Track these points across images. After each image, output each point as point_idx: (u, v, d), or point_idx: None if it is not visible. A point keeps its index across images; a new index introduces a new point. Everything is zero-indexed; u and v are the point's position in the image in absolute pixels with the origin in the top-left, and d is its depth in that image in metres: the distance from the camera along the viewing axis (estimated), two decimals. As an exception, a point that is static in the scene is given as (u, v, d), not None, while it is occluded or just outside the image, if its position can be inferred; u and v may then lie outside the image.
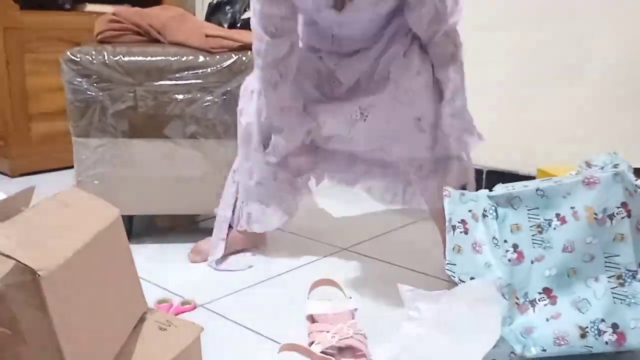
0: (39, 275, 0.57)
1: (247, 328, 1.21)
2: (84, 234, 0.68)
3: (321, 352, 1.07)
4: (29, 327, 0.58)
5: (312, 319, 1.18)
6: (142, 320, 0.80)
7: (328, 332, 1.11)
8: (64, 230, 0.67)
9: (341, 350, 1.08)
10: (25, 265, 0.57)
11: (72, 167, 1.61)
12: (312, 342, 1.08)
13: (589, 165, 1.19)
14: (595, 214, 1.03)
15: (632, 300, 1.01)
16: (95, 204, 0.79)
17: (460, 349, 0.96)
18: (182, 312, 1.26)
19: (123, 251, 0.78)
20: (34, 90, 2.41)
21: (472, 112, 2.20)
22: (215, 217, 1.57)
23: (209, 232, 1.59)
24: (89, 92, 1.53)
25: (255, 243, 1.59)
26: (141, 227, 1.78)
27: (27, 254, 0.58)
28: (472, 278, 1.10)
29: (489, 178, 2.12)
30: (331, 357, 0.94)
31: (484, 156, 2.13)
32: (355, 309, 1.19)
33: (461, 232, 1.15)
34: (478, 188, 1.23)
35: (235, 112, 1.50)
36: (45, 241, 0.63)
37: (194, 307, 1.29)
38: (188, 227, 1.82)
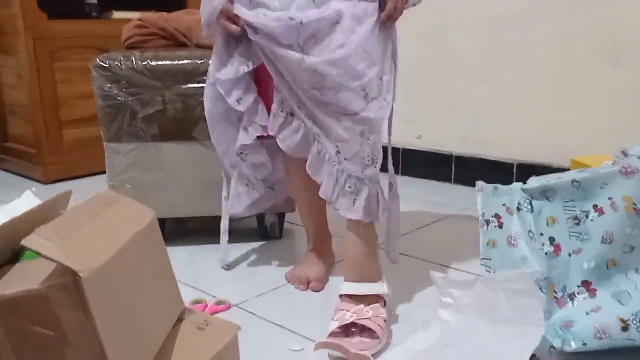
0: (80, 277, 0.57)
1: (282, 327, 1.21)
2: (123, 235, 0.69)
3: (336, 329, 1.09)
4: (72, 328, 0.59)
5: (342, 297, 1.20)
6: (180, 320, 0.80)
7: (348, 310, 1.12)
8: (103, 232, 0.68)
9: (355, 329, 1.09)
10: (67, 266, 0.58)
11: (104, 172, 1.64)
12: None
13: (625, 154, 1.17)
14: (635, 204, 1.01)
15: (676, 292, 0.99)
16: (131, 205, 0.80)
17: (508, 343, 0.94)
18: (217, 312, 1.27)
19: (160, 251, 0.79)
20: (64, 97, 2.45)
21: (505, 104, 2.18)
22: (245, 217, 1.57)
23: (242, 234, 1.61)
24: (118, 98, 1.55)
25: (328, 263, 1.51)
26: (173, 230, 1.80)
27: (68, 256, 0.59)
28: (508, 272, 1.08)
29: (520, 171, 2.09)
30: (367, 355, 0.94)
31: (515, 149, 2.11)
32: (386, 293, 1.20)
33: (495, 226, 1.13)
34: (509, 182, 1.21)
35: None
36: (85, 243, 0.63)
37: (229, 307, 1.29)
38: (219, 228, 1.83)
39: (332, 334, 1.10)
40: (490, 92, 2.15)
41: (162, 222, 1.71)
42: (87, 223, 0.68)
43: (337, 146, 1.17)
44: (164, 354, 0.72)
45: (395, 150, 2.43)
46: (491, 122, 2.17)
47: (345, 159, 1.17)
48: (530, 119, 2.07)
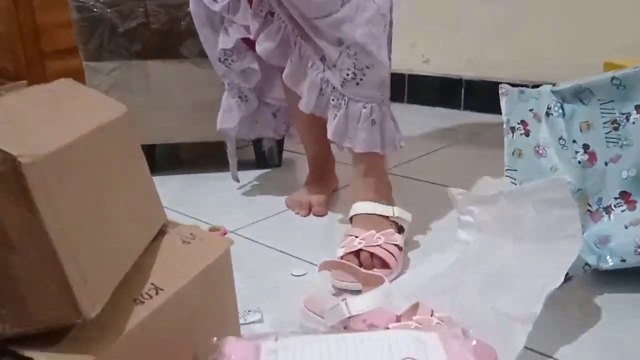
0: (20, 163, 0.45)
1: (282, 252, 1.11)
2: (85, 125, 0.56)
3: (341, 257, 0.98)
4: (15, 229, 0.47)
5: (352, 222, 1.08)
6: (162, 233, 0.69)
7: (357, 237, 1.01)
8: (60, 118, 0.55)
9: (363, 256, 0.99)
10: (4, 152, 0.45)
11: (86, 96, 1.50)
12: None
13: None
14: (686, 101, 0.88)
15: None
16: (99, 97, 0.67)
17: (538, 262, 0.83)
18: (211, 239, 1.16)
19: (134, 154, 0.67)
20: (45, 26, 2.28)
21: (515, 21, 2.00)
22: (244, 142, 1.45)
23: (239, 163, 1.47)
24: (95, 10, 1.39)
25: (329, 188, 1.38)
26: (164, 158, 1.67)
27: (5, 139, 0.46)
28: (535, 184, 0.96)
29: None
30: (381, 275, 0.83)
31: (529, 70, 1.96)
32: (400, 218, 1.07)
33: (521, 134, 1.00)
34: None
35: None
36: (32, 129, 0.51)
37: (224, 233, 1.18)
38: (215, 157, 1.70)
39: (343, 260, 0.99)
40: (499, 9, 1.98)
41: (151, 149, 1.58)
42: (39, 107, 0.55)
43: (323, 50, 1.03)
44: (141, 269, 0.60)
45: (400, 76, 2.28)
46: (502, 42, 2.01)
47: (329, 67, 1.04)
48: (543, 35, 1.91)
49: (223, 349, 0.59)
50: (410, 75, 2.27)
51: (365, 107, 1.04)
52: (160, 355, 0.58)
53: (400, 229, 1.07)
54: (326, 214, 1.27)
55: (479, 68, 2.09)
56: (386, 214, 1.06)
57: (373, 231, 1.03)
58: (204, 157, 1.70)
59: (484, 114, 2.03)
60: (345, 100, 1.04)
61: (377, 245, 1.00)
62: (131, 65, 1.44)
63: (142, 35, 1.42)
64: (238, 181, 1.40)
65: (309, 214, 1.27)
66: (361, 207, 1.07)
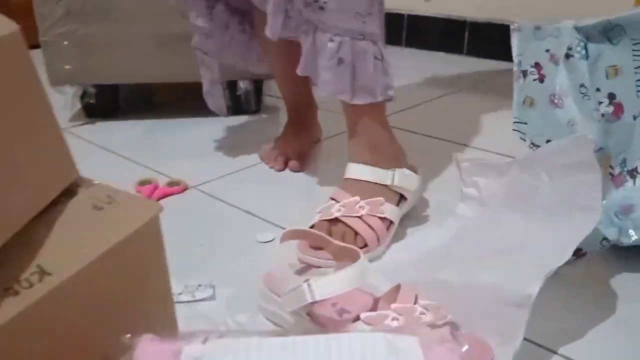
0: None
1: (249, 213, 0.95)
2: None
3: (312, 225, 0.83)
4: None
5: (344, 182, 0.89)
6: (69, 195, 0.53)
7: (337, 202, 0.85)
8: None
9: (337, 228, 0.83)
10: None
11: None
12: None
13: None
14: None
15: None
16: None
17: (546, 234, 0.68)
18: (169, 195, 1.01)
19: (24, 86, 0.50)
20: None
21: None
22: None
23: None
24: None
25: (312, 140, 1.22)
26: (127, 100, 1.50)
27: None
28: (548, 141, 0.80)
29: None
30: (355, 248, 0.68)
31: (540, 10, 1.76)
32: (399, 186, 0.88)
33: (535, 79, 0.84)
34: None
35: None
36: None
37: (184, 189, 1.03)
38: (188, 100, 1.53)
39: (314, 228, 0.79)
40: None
41: (114, 89, 1.41)
42: None
43: None
44: (24, 245, 0.45)
45: (398, 16, 2.08)
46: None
47: None
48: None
49: (133, 353, 0.45)
50: (409, 16, 2.07)
51: (332, 41, 0.84)
52: (49, 357, 0.44)
53: (401, 199, 0.90)
54: (304, 169, 1.11)
55: (486, 8, 1.89)
56: (383, 182, 0.88)
57: (357, 197, 0.85)
58: (176, 101, 1.53)
59: (490, 60, 1.85)
60: (312, 28, 0.86)
61: (357, 217, 0.83)
62: (87, -9, 1.25)
63: (98, -43, 1.23)
64: (226, 115, 1.22)
65: (284, 169, 1.11)
66: (354, 170, 0.89)
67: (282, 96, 1.20)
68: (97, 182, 0.56)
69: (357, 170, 0.88)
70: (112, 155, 1.20)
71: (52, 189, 0.51)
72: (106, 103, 1.39)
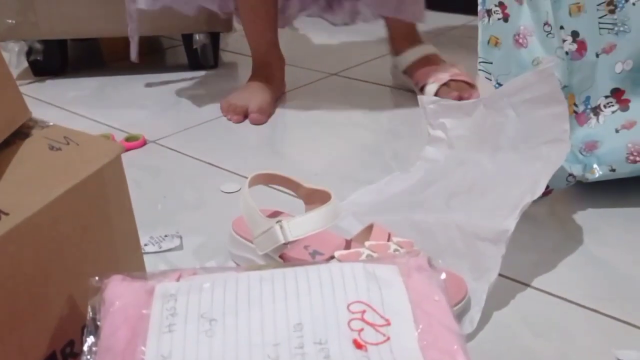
0: None
1: (212, 164, 0.93)
2: None
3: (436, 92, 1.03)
4: None
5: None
6: (22, 136, 0.50)
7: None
8: None
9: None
10: None
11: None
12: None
13: None
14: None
15: None
16: None
17: (517, 169, 0.68)
18: (128, 150, 0.97)
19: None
20: None
21: None
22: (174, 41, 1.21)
23: (168, 65, 1.27)
24: None
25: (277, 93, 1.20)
26: (77, 56, 1.43)
27: None
28: (514, 81, 0.80)
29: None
30: (332, 196, 0.66)
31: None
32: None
33: (499, 18, 0.83)
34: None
35: None
36: None
37: (144, 143, 0.99)
38: (142, 56, 1.47)
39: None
40: None
41: (62, 45, 1.34)
42: None
43: None
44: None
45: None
46: None
47: None
48: None
49: (103, 293, 0.43)
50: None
51: None
52: (9, 302, 0.41)
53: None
54: (265, 121, 1.08)
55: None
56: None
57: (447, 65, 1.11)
58: (128, 56, 1.46)
59: (447, 14, 1.84)
60: None
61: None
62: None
63: None
64: (137, 61, 1.18)
65: (243, 121, 1.08)
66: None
67: (250, 45, 1.16)
68: (51, 123, 0.53)
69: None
70: (64, 113, 1.14)
71: (3, 128, 0.48)
72: (54, 60, 1.33)
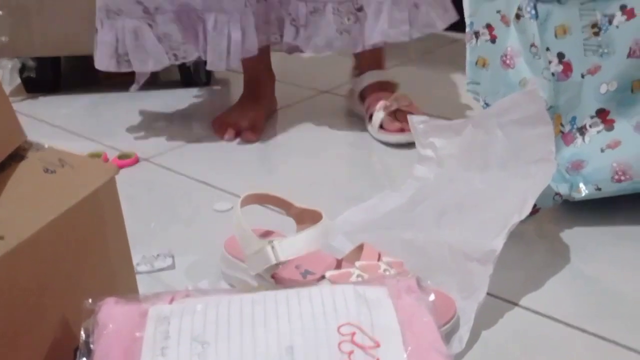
0: None
1: (204, 183, 0.94)
2: None
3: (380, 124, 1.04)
4: None
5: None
6: (17, 158, 0.50)
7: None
8: None
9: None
10: None
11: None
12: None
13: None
14: (683, -1, 0.74)
15: None
16: None
17: (505, 188, 0.69)
18: (121, 167, 0.97)
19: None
20: None
21: None
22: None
23: (160, 82, 1.27)
24: None
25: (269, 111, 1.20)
26: (70, 73, 1.44)
27: None
28: (501, 101, 0.82)
29: None
30: (318, 211, 0.67)
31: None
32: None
33: (487, 40, 0.85)
34: None
35: None
36: None
37: (136, 161, 1.00)
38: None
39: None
40: None
41: (55, 62, 1.35)
42: None
43: None
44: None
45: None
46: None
47: None
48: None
49: (97, 316, 0.43)
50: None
51: None
52: (3, 325, 0.42)
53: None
54: (257, 140, 1.09)
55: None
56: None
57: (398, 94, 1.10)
58: (121, 74, 1.47)
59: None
60: None
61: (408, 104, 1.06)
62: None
63: None
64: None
65: (235, 139, 1.09)
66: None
67: (243, 67, 1.17)
68: (46, 145, 0.54)
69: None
70: (57, 130, 1.15)
71: (4, 149, 0.48)
72: (47, 77, 1.33)
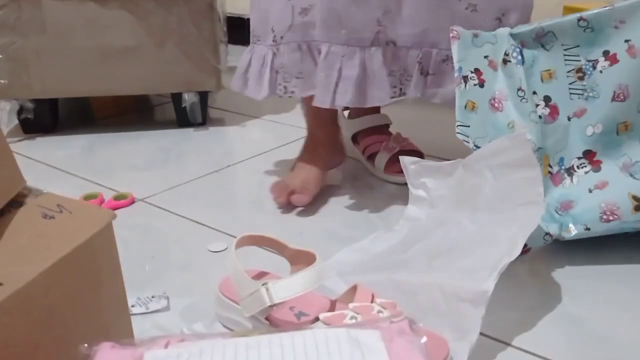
0: None
1: (199, 223, 0.94)
2: None
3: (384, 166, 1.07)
4: None
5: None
6: (16, 205, 0.51)
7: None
8: None
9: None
10: None
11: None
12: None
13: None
14: (663, 45, 0.76)
15: None
16: None
17: (495, 230, 0.70)
18: (117, 208, 0.98)
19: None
20: None
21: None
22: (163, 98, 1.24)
23: (156, 122, 1.29)
24: None
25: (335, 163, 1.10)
26: (68, 114, 1.46)
27: None
28: (490, 143, 0.84)
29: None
30: (312, 252, 0.68)
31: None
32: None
33: (475, 84, 0.87)
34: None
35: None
36: None
37: (132, 202, 1.01)
38: (131, 114, 1.50)
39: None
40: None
41: (53, 104, 1.37)
42: None
43: None
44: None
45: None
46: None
47: None
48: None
49: (92, 362, 0.44)
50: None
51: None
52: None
53: None
54: (307, 201, 0.98)
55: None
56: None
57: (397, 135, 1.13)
58: (117, 115, 1.49)
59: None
60: None
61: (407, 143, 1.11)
62: (22, 2, 1.22)
63: (33, -32, 1.20)
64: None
65: (285, 204, 0.98)
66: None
67: (306, 112, 1.08)
68: (45, 191, 0.55)
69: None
70: (54, 171, 1.16)
71: (5, 195, 0.49)
72: (45, 118, 1.35)
